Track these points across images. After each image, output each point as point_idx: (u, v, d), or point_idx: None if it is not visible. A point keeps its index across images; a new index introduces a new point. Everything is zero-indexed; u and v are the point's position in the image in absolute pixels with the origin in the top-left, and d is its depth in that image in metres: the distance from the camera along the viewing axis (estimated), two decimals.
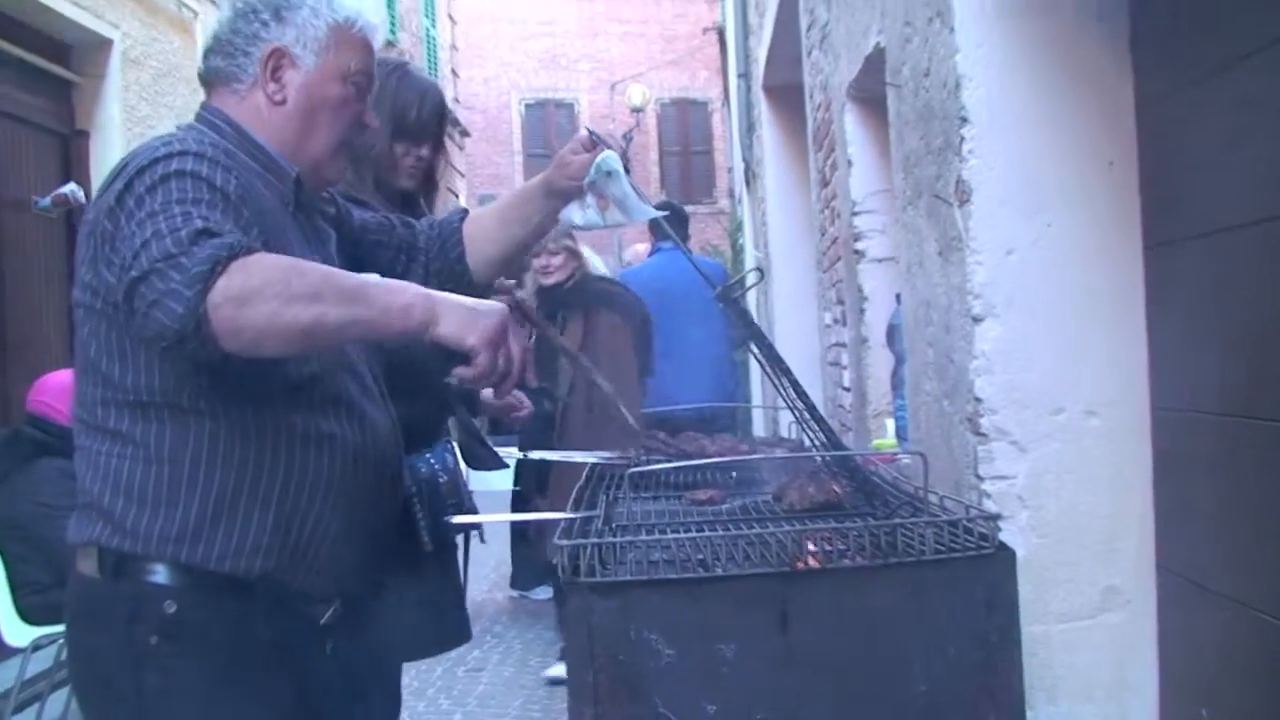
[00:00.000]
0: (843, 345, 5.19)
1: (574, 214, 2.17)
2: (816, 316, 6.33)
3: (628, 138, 2.27)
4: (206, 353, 1.58)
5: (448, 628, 2.89)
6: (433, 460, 2.76)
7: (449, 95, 18.14)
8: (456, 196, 16.14)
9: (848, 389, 5.06)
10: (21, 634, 4.26)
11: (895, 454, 3.14)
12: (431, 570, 2.71)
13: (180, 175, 1.69)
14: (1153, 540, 2.56)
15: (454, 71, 19.41)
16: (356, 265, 2.05)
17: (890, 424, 4.07)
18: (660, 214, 2.15)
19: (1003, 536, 2.51)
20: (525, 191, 2.28)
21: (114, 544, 1.79)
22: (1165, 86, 2.46)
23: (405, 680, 5.80)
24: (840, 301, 5.17)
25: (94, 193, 6.16)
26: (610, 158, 2.07)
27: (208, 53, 1.99)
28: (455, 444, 3.02)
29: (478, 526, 2.96)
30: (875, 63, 3.60)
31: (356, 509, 1.92)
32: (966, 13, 2.57)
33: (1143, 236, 2.57)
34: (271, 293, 1.56)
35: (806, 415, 2.16)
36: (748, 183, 12.06)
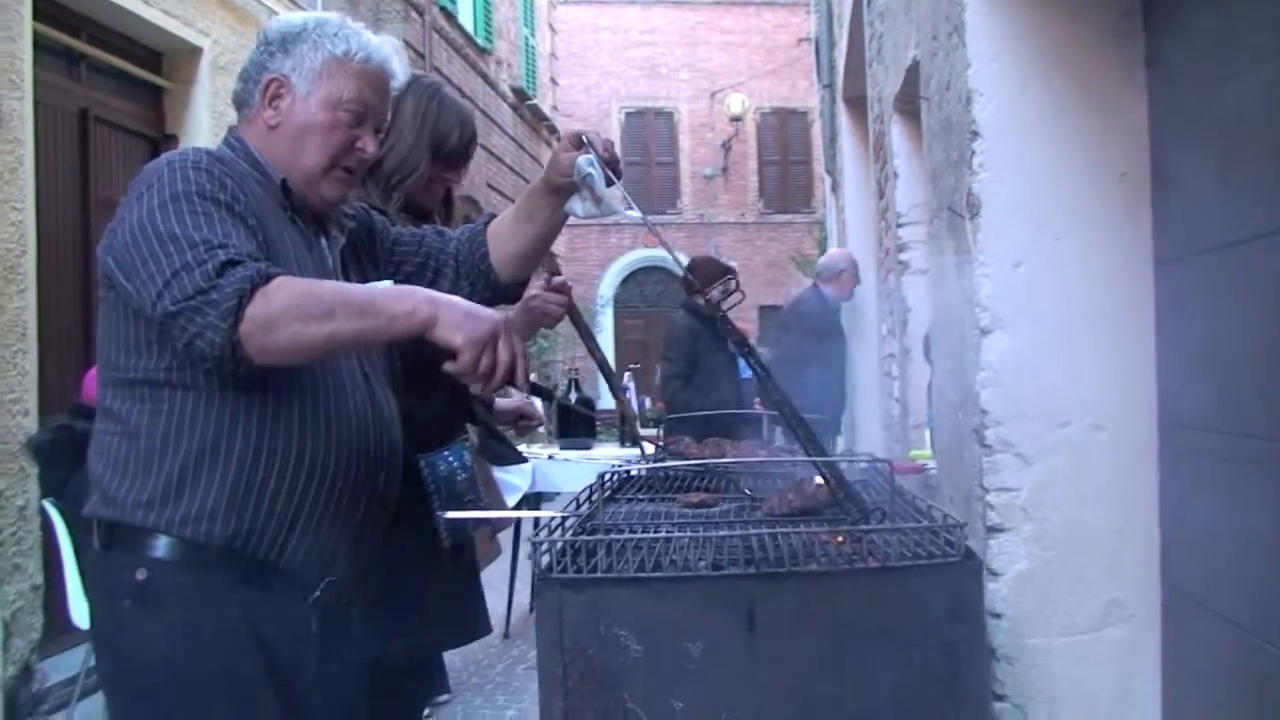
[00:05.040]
0: (893, 356, 5.19)
1: (575, 205, 2.33)
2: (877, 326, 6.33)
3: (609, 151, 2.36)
4: (242, 369, 1.78)
5: (468, 622, 2.97)
6: (451, 458, 2.85)
7: (548, 104, 18.34)
8: None
9: (898, 400, 5.05)
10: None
11: (855, 458, 3.08)
12: (449, 566, 2.80)
13: (188, 196, 1.86)
14: (1158, 555, 2.54)
15: (554, 80, 19.61)
16: (389, 272, 2.33)
17: (928, 435, 4.07)
18: (634, 214, 2.26)
19: (1006, 548, 2.54)
20: (531, 189, 2.42)
21: (101, 514, 1.95)
22: (1177, 102, 2.45)
23: (461, 664, 5.89)
24: (892, 313, 5.17)
25: None
26: (584, 161, 2.21)
27: (237, 78, 2.17)
28: (473, 442, 3.10)
29: (487, 522, 3.04)
30: (914, 75, 3.62)
31: (335, 490, 2.02)
32: (979, 28, 2.58)
33: (1153, 251, 2.55)
34: (291, 316, 1.76)
35: (792, 421, 2.20)
36: (833, 191, 12.02)
